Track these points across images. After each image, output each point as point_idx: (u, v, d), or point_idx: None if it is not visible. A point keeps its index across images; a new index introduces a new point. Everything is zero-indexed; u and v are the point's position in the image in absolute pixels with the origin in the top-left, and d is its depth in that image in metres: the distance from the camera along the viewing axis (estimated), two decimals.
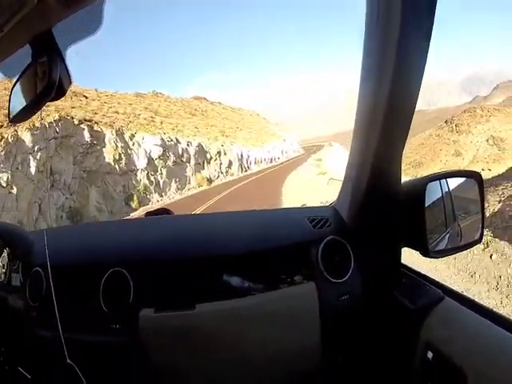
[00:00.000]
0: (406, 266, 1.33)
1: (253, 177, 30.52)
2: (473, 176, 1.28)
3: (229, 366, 1.30)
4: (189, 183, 25.37)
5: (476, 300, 1.05)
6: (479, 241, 1.26)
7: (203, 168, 28.25)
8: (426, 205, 1.17)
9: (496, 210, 7.43)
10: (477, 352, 0.90)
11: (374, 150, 1.12)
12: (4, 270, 1.54)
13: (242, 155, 37.44)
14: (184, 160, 25.79)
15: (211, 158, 30.24)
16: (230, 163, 33.91)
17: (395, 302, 1.19)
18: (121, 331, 1.29)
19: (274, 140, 56.30)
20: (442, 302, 1.09)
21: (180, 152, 25.47)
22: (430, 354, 0.99)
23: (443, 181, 1.26)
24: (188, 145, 26.84)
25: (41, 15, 0.65)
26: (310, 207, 1.96)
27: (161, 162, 22.74)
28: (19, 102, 0.82)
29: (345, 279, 1.31)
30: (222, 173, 31.46)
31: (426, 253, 1.17)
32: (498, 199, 7.95)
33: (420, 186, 1.17)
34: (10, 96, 0.85)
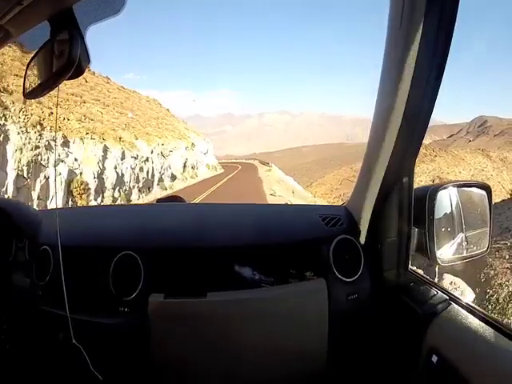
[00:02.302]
0: (414, 271, 1.33)
1: None
2: (483, 187, 1.28)
3: (235, 356, 1.31)
4: None
5: (480, 308, 1.06)
6: (486, 251, 1.27)
7: None
8: (436, 212, 1.18)
9: None
10: (480, 358, 0.90)
11: (388, 156, 1.14)
12: (10, 247, 1.54)
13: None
14: None
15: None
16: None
17: (402, 305, 1.20)
18: (129, 315, 1.29)
19: (174, 141, 32.23)
20: (448, 307, 1.09)
21: None
22: (434, 358, 1.00)
23: (454, 189, 1.26)
24: None
25: None
26: (322, 205, 1.95)
27: None
28: (34, 78, 0.82)
29: (354, 279, 1.32)
30: None
31: (434, 259, 1.18)
32: None
33: (431, 193, 1.17)
34: (26, 72, 0.84)
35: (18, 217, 1.61)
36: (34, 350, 1.48)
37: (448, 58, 0.94)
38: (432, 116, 1.07)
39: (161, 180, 25.51)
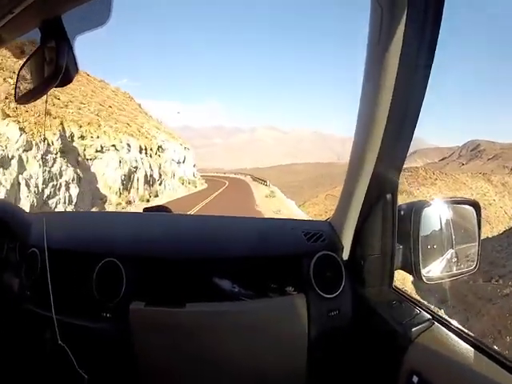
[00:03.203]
0: (398, 289, 1.32)
1: None
2: (471, 204, 1.27)
3: (213, 367, 1.31)
4: None
5: (464, 328, 1.04)
6: (475, 269, 1.25)
7: None
8: (422, 229, 1.17)
9: None
10: (461, 380, 0.89)
11: (372, 172, 1.15)
12: (1, 247, 1.58)
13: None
14: None
15: None
16: None
17: (384, 323, 1.18)
18: (111, 320, 1.31)
19: (117, 138, 21.14)
20: (430, 327, 1.08)
21: None
22: (415, 379, 0.98)
23: (441, 206, 1.25)
24: None
25: (52, 2, 0.68)
26: (306, 220, 1.95)
27: None
28: (26, 84, 0.84)
29: (335, 295, 1.31)
30: None
31: (420, 277, 1.17)
32: None
33: (417, 210, 1.17)
34: (18, 77, 0.87)
35: (10, 218, 1.64)
36: (20, 348, 1.49)
37: (431, 76, 0.94)
38: (423, 138, 1.10)
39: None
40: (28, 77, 0.85)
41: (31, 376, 1.47)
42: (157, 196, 24.43)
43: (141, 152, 24.00)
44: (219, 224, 1.74)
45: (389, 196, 1.20)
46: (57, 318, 1.26)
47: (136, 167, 22.36)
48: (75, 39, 0.76)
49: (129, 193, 20.82)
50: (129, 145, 22.20)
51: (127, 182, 20.89)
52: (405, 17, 0.87)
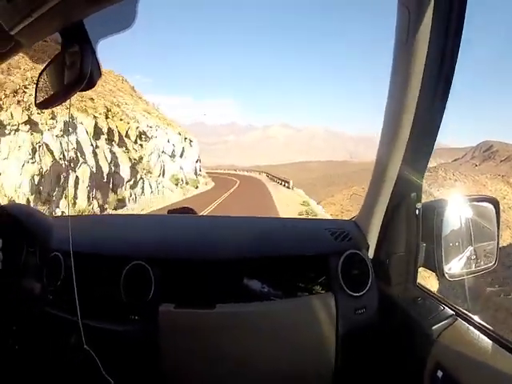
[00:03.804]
0: (422, 286, 1.33)
1: None
2: (491, 202, 1.28)
3: (243, 368, 1.31)
4: None
5: (486, 324, 1.06)
6: (494, 266, 1.27)
7: None
8: (444, 227, 1.18)
9: None
10: (485, 375, 0.90)
11: (397, 171, 1.17)
12: (21, 251, 1.57)
13: None
14: None
15: None
16: None
17: (409, 319, 1.20)
18: (139, 323, 1.31)
19: (103, 123, 16.39)
20: (454, 323, 1.10)
21: None
22: (439, 374, 1.00)
23: (462, 204, 1.26)
24: None
25: (73, 6, 0.66)
26: (331, 219, 1.98)
27: None
28: (46, 89, 0.83)
29: (362, 293, 1.32)
30: None
31: (442, 275, 1.18)
32: None
33: (439, 208, 1.19)
34: (38, 82, 0.85)
35: (30, 222, 1.64)
36: (43, 352, 1.49)
37: (454, 74, 0.96)
38: (436, 139, 1.09)
39: None
40: (48, 82, 0.83)
41: (56, 381, 1.47)
42: (123, 205, 16.90)
43: (98, 138, 15.93)
44: (245, 224, 1.75)
45: (413, 195, 1.21)
46: (82, 323, 1.25)
47: (75, 160, 14.05)
48: (98, 43, 0.75)
49: (50, 203, 12.39)
50: (69, 123, 14.07)
51: (51, 184, 12.73)
52: (431, 19, 0.91)
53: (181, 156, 27.33)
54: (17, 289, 1.53)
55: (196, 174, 31.48)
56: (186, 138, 29.98)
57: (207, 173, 42.23)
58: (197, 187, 27.75)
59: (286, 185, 30.97)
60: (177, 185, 24.23)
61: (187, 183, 26.93)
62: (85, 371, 1.29)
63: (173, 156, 25.63)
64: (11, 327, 1.53)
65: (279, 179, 35.61)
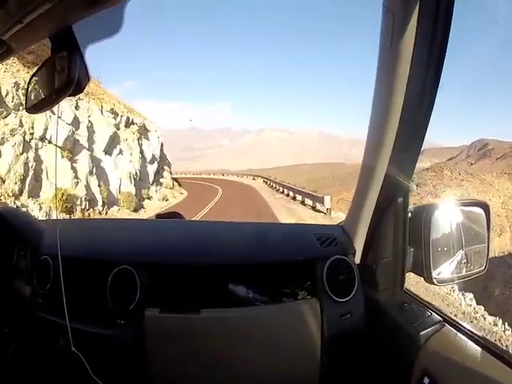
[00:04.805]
0: (409, 291, 1.33)
1: None
2: (481, 206, 1.29)
3: (227, 373, 1.31)
4: None
5: (474, 330, 1.05)
6: (484, 270, 1.26)
7: None
8: (433, 231, 1.18)
9: None
10: (472, 381, 0.90)
11: (384, 176, 1.17)
12: (12, 255, 1.58)
13: None
14: None
15: None
16: None
17: (396, 325, 1.19)
18: (125, 327, 1.32)
19: None
20: (441, 329, 1.09)
21: None
22: (426, 381, 0.99)
23: (452, 208, 1.26)
24: None
25: (62, 12, 0.67)
26: (318, 225, 1.97)
27: None
28: (36, 94, 0.83)
29: (348, 299, 1.32)
30: None
31: (430, 279, 1.18)
32: None
33: (428, 212, 1.18)
34: (28, 86, 0.87)
35: (21, 226, 1.66)
36: (34, 355, 1.49)
37: (441, 77, 0.96)
38: (429, 138, 1.09)
39: None
40: (38, 86, 0.84)
41: (45, 383, 1.48)
42: None
43: None
44: (232, 230, 1.76)
45: (400, 200, 1.21)
46: (70, 326, 1.27)
47: None
48: (86, 48, 0.76)
49: None
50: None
51: None
52: (415, 23, 0.90)
53: (110, 154, 16.77)
54: (7, 292, 1.53)
55: (151, 182, 20.97)
56: (131, 123, 19.43)
57: (185, 179, 35.97)
58: (136, 210, 16.59)
59: (317, 205, 16.49)
60: (70, 211, 13.06)
61: (118, 202, 15.99)
62: (73, 374, 1.30)
63: (90, 150, 15.50)
64: (3, 330, 1.54)
65: (298, 192, 19.71)
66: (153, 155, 22.16)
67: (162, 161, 24.67)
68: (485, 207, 1.28)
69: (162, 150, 24.64)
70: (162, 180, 23.24)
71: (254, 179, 40.18)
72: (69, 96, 0.77)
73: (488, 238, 1.27)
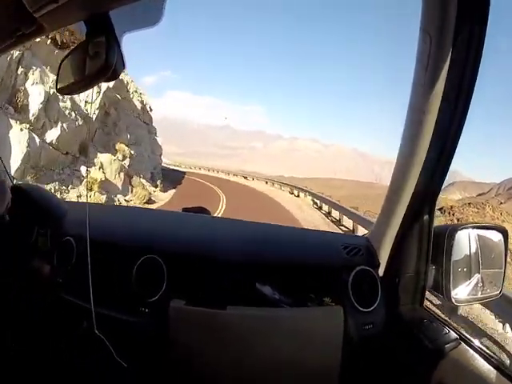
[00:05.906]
0: (428, 308, 1.33)
1: None
2: (500, 230, 1.29)
3: (245, 371, 1.31)
4: None
5: (487, 350, 1.07)
6: (499, 294, 1.27)
7: None
8: (454, 251, 1.18)
9: None
10: None
11: (412, 193, 1.18)
12: (31, 232, 1.59)
13: None
14: None
15: None
16: None
17: (414, 340, 1.20)
18: (149, 315, 1.33)
19: None
20: (458, 347, 1.10)
21: None
22: None
23: (472, 231, 1.25)
24: None
25: None
26: (344, 234, 1.98)
27: None
28: (67, 75, 0.82)
29: (371, 309, 1.32)
30: None
31: (449, 298, 1.18)
32: None
33: (450, 233, 1.19)
34: (60, 67, 0.84)
35: (43, 204, 1.67)
36: (53, 334, 1.52)
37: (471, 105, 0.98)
38: (460, 171, 1.06)
39: None
40: (69, 69, 0.82)
41: (65, 364, 1.49)
42: None
43: None
44: (259, 230, 1.76)
45: (426, 217, 1.22)
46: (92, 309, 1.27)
47: None
48: (123, 36, 0.75)
49: None
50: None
51: None
52: (451, 47, 0.92)
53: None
54: (25, 268, 1.55)
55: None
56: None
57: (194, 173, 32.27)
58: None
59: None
60: None
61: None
62: (96, 355, 1.31)
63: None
64: (21, 310, 1.56)
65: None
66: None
67: None
68: (503, 232, 1.28)
69: None
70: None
71: (281, 186, 28.10)
72: (104, 82, 0.77)
73: (505, 263, 1.27)
